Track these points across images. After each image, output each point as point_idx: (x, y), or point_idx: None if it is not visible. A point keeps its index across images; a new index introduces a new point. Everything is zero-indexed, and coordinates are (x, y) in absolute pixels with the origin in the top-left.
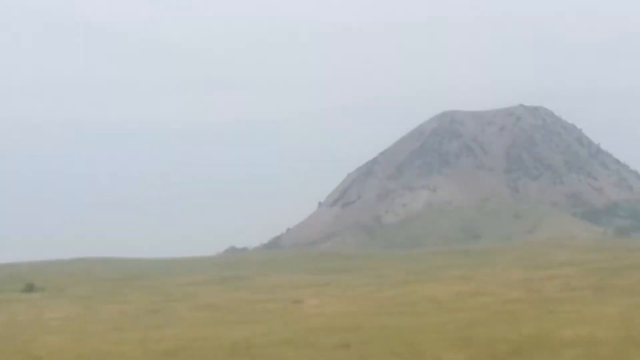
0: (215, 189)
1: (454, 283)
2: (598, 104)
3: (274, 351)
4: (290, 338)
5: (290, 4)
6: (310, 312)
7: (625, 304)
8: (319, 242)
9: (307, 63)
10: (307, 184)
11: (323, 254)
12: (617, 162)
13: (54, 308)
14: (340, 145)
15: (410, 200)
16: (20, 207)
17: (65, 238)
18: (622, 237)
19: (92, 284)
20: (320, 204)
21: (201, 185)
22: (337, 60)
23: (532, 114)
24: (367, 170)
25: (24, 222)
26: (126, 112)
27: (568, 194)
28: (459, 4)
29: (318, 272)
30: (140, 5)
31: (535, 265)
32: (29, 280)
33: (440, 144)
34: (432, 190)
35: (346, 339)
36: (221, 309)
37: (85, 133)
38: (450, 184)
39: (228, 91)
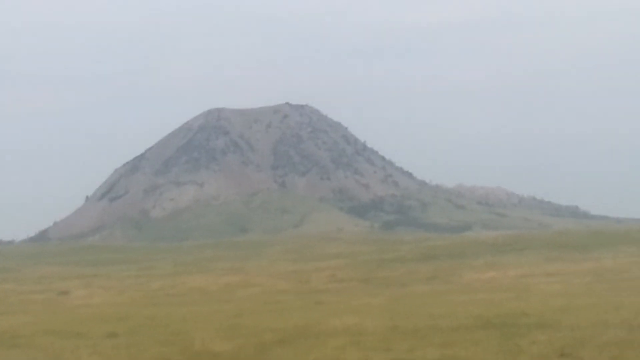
0: None
1: (222, 274)
2: (362, 103)
3: (40, 340)
4: (57, 328)
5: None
6: (77, 303)
7: (391, 294)
8: (87, 235)
9: (69, 53)
10: (74, 178)
11: (91, 246)
12: (383, 159)
13: None
14: (105, 140)
15: (178, 195)
16: None
17: None
18: (389, 231)
19: None
20: (87, 198)
21: None
22: (99, 52)
23: (298, 112)
24: (134, 166)
25: None
26: None
27: (335, 190)
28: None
29: (86, 264)
30: None
31: (304, 258)
32: None
33: (208, 141)
34: (199, 185)
35: (114, 328)
36: None
37: None
38: (218, 180)
39: None
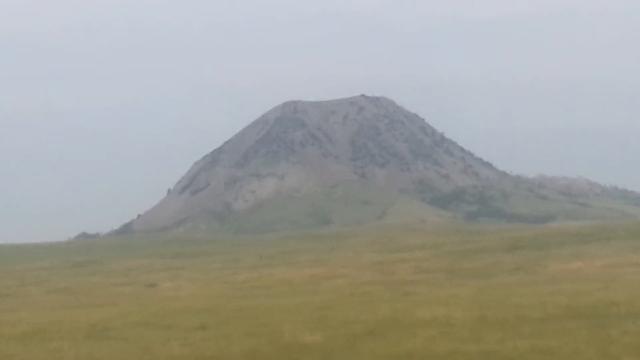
0: (65, 175)
1: (307, 266)
2: (437, 94)
3: (131, 332)
4: (147, 320)
5: None
6: (165, 295)
7: (478, 285)
8: (170, 228)
9: (150, 50)
10: (155, 171)
11: (175, 239)
12: (462, 149)
13: None
14: (184, 134)
15: (259, 187)
16: None
17: None
18: (471, 221)
19: None
20: (169, 191)
21: (51, 172)
22: (178, 49)
23: (374, 103)
24: (213, 159)
25: None
26: None
27: (415, 181)
28: None
29: (171, 257)
30: None
31: (388, 249)
32: None
33: (285, 133)
34: (279, 177)
35: (203, 320)
36: (76, 293)
37: None
38: (298, 172)
39: (68, 80)
